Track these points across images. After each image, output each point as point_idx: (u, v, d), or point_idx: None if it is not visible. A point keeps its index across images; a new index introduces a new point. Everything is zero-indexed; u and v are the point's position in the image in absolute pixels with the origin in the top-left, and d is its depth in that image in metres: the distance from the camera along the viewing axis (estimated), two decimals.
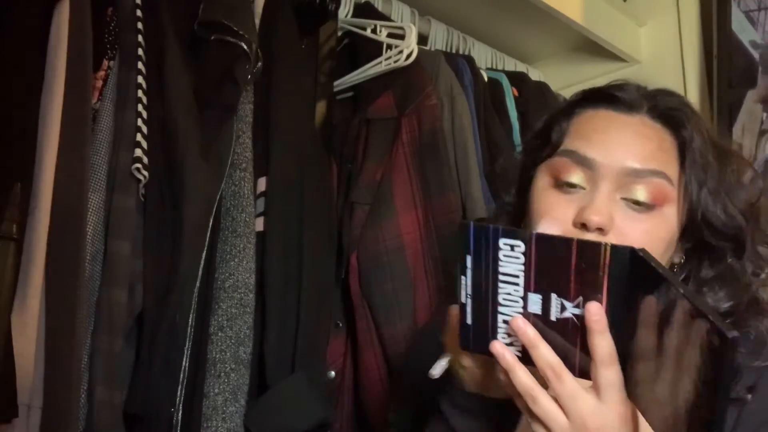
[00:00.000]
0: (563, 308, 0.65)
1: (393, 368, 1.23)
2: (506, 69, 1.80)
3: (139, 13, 1.07)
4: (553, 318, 0.66)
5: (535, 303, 0.66)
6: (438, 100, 1.40)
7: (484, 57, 1.76)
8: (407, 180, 1.33)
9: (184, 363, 1.00)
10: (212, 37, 1.12)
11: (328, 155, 1.32)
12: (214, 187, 1.06)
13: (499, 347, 0.68)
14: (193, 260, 1.02)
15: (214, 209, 1.06)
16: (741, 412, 0.78)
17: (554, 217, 0.82)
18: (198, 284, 1.02)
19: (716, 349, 0.52)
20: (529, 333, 0.66)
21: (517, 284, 0.66)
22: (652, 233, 0.80)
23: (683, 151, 0.83)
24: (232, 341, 1.06)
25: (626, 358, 0.63)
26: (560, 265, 0.64)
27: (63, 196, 0.92)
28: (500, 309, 0.68)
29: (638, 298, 0.61)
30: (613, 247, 0.62)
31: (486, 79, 1.62)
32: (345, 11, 1.44)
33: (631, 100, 0.86)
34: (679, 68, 1.88)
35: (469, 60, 1.60)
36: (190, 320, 1.01)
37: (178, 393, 0.99)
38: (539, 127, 0.92)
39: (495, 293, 0.67)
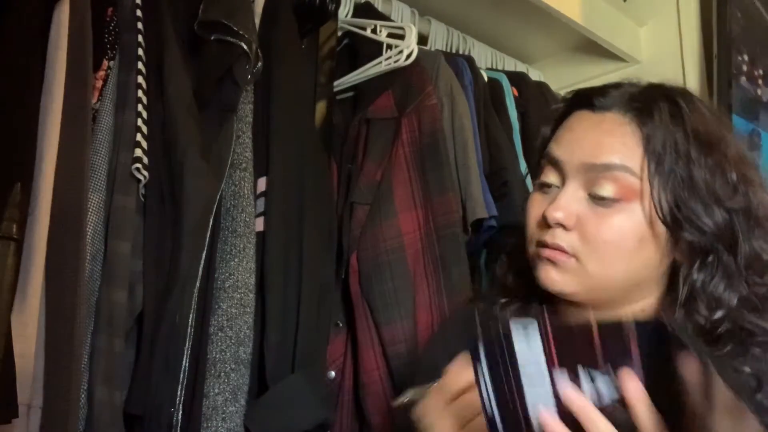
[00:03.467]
0: (593, 378, 0.63)
1: (393, 368, 1.23)
2: (506, 69, 1.80)
3: (139, 13, 1.07)
4: (585, 390, 0.62)
5: (563, 379, 0.62)
6: (438, 100, 1.40)
7: (484, 57, 1.76)
8: (407, 180, 1.33)
9: (184, 363, 1.00)
10: (212, 37, 1.12)
11: (328, 155, 1.32)
12: (214, 187, 1.06)
13: (550, 419, 0.62)
14: (193, 260, 1.02)
15: (214, 209, 1.06)
16: None
17: (531, 217, 0.86)
18: (198, 284, 1.02)
19: None
20: (584, 403, 0.62)
21: (539, 363, 0.63)
22: (618, 228, 0.81)
23: (646, 146, 0.82)
24: (232, 341, 1.06)
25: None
26: (581, 340, 0.62)
27: (63, 196, 0.92)
28: (526, 390, 0.63)
29: (670, 366, 0.59)
30: (638, 324, 0.60)
31: (486, 79, 1.62)
32: (345, 11, 1.44)
33: (606, 101, 0.86)
34: (679, 68, 1.88)
35: (469, 60, 1.60)
36: (190, 320, 1.01)
37: (178, 393, 0.99)
38: (540, 139, 0.94)
39: (517, 376, 0.63)
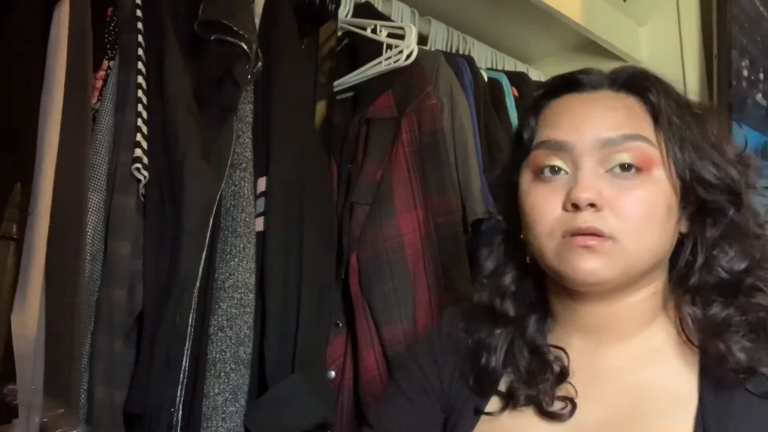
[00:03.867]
0: None
1: (393, 368, 1.23)
2: (506, 69, 1.80)
3: (139, 13, 1.07)
4: None
5: None
6: (438, 100, 1.40)
7: (484, 57, 1.76)
8: (407, 180, 1.33)
9: (184, 363, 1.00)
10: (212, 37, 1.11)
11: (328, 155, 1.32)
12: (214, 187, 1.06)
13: None
14: (193, 260, 1.02)
15: (214, 209, 1.06)
16: None
17: (543, 210, 0.80)
18: (198, 284, 1.02)
19: None
20: None
21: None
22: (648, 200, 0.78)
23: (655, 114, 0.81)
24: (232, 341, 1.06)
25: None
26: None
27: (63, 196, 0.92)
28: None
29: None
30: None
31: (486, 79, 1.62)
32: (345, 11, 1.44)
33: (592, 79, 0.85)
34: (679, 68, 1.88)
35: (469, 60, 1.60)
36: (190, 320, 1.01)
37: (178, 393, 0.99)
38: (514, 133, 0.91)
39: None
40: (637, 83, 0.83)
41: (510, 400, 0.84)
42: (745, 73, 1.88)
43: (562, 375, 0.83)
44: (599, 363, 0.83)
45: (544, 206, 0.80)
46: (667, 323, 0.83)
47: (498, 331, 0.87)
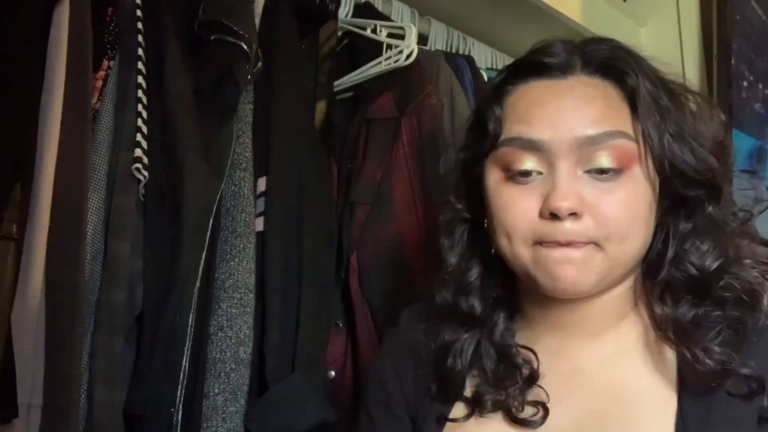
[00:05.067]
0: None
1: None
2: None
3: (139, 13, 1.07)
4: None
5: None
6: (438, 100, 1.40)
7: (483, 57, 1.75)
8: (407, 180, 1.32)
9: (184, 363, 1.00)
10: (212, 37, 1.11)
11: (328, 155, 1.32)
12: (214, 187, 1.06)
13: None
14: (193, 260, 1.02)
15: (214, 209, 1.06)
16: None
17: (515, 214, 0.74)
18: (198, 284, 1.02)
19: None
20: None
21: None
22: (630, 201, 0.72)
23: (633, 100, 0.74)
24: (232, 341, 1.06)
25: None
26: None
27: (63, 196, 0.92)
28: None
29: None
30: None
31: (486, 79, 1.62)
32: (345, 11, 1.44)
33: (561, 62, 0.77)
34: (679, 68, 1.87)
35: (469, 60, 1.60)
36: (190, 320, 1.01)
37: (178, 393, 0.99)
38: (471, 119, 0.84)
39: None
40: (613, 65, 0.76)
41: (476, 406, 0.78)
42: (745, 83, 1.89)
43: (531, 378, 0.77)
44: (571, 362, 0.78)
45: (517, 210, 0.74)
46: (639, 320, 0.78)
47: (463, 332, 0.81)
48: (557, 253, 0.72)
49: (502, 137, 0.76)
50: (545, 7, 1.65)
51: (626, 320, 0.78)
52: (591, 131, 0.72)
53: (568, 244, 0.72)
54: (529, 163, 0.74)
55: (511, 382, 0.77)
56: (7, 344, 0.85)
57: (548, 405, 0.76)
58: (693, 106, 0.79)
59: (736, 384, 0.70)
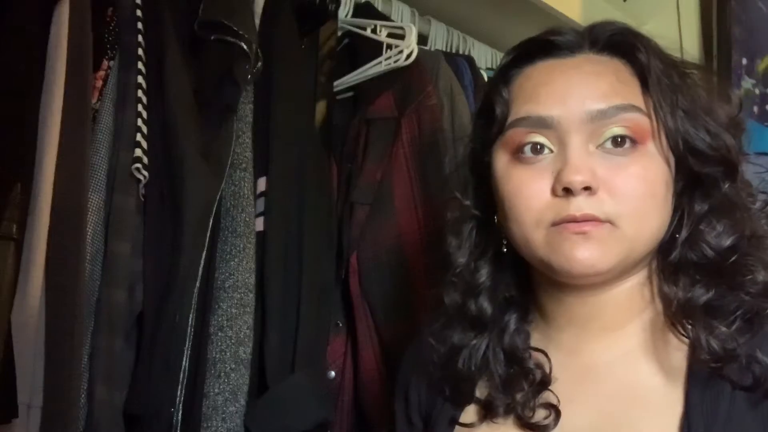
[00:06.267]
0: None
1: (393, 368, 1.23)
2: None
3: (139, 13, 1.07)
4: None
5: None
6: (438, 100, 1.40)
7: (484, 57, 1.75)
8: (407, 180, 1.32)
9: (184, 363, 1.00)
10: (212, 37, 1.11)
11: (328, 155, 1.32)
12: (214, 187, 1.06)
13: None
14: (193, 260, 1.02)
15: (214, 209, 1.05)
16: None
17: (528, 196, 0.71)
18: (198, 284, 1.02)
19: None
20: None
21: None
22: (646, 177, 0.70)
23: (643, 76, 0.72)
24: (232, 341, 1.06)
25: None
26: None
27: (63, 196, 0.92)
28: None
29: None
30: None
31: (486, 79, 1.62)
32: (345, 11, 1.44)
33: (568, 40, 0.76)
34: None
35: (469, 60, 1.60)
36: (190, 320, 1.01)
37: (178, 393, 0.99)
38: (479, 106, 0.82)
39: None
40: (622, 41, 0.75)
41: (488, 411, 0.77)
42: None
43: (543, 383, 0.75)
44: (587, 359, 0.76)
45: (528, 192, 0.71)
46: (655, 315, 0.75)
47: (473, 335, 0.79)
48: (573, 233, 0.69)
49: (510, 119, 0.74)
50: (545, 7, 1.65)
51: (643, 314, 0.76)
52: (602, 105, 0.70)
53: (584, 220, 0.69)
54: (539, 138, 0.71)
55: (522, 387, 0.75)
56: (7, 344, 0.85)
57: (560, 407, 0.74)
58: (705, 85, 0.77)
59: (739, 373, 0.67)
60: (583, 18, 1.75)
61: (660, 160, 0.71)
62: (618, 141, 0.70)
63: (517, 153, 0.73)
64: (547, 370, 0.76)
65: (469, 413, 0.79)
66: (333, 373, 1.27)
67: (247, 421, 1.07)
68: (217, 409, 1.03)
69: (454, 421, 0.79)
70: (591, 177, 0.68)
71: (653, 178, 0.71)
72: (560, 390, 0.75)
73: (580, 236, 0.69)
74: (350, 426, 1.26)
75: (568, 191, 0.69)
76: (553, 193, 0.70)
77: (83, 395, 0.94)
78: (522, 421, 0.75)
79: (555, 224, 0.70)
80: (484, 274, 0.80)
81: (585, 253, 0.69)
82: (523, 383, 0.75)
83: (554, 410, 0.74)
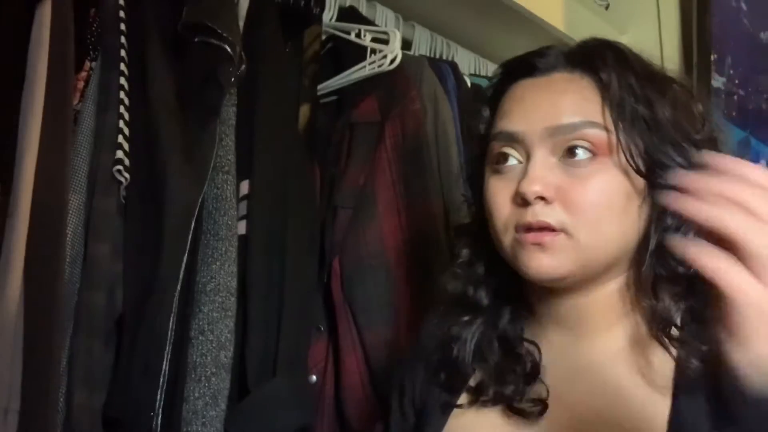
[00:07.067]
0: None
1: (374, 373, 1.23)
2: (489, 75, 1.80)
3: (122, 14, 1.06)
4: None
5: None
6: (421, 105, 1.40)
7: (467, 63, 1.76)
8: (390, 184, 1.33)
9: (164, 367, 0.99)
10: (196, 39, 1.11)
11: (311, 159, 1.32)
12: (196, 190, 1.06)
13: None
14: (173, 263, 1.01)
15: (196, 212, 1.05)
16: None
17: (497, 203, 0.78)
18: (179, 287, 1.01)
19: None
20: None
21: None
22: (602, 189, 0.74)
23: (607, 95, 0.76)
24: (213, 345, 1.05)
25: None
26: None
27: (43, 198, 0.91)
28: None
29: None
30: None
31: (469, 84, 1.63)
32: (329, 15, 1.44)
33: (546, 61, 0.81)
34: None
35: (453, 65, 1.60)
36: (170, 324, 1.00)
37: (158, 397, 0.99)
38: (471, 122, 0.88)
39: None
40: (590, 60, 0.79)
41: (479, 396, 0.82)
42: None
43: (533, 373, 0.80)
44: (575, 358, 0.80)
45: (497, 199, 0.78)
46: (639, 318, 0.78)
47: (469, 322, 0.84)
48: (530, 243, 0.75)
49: (491, 133, 0.81)
50: (528, 14, 1.66)
51: (626, 318, 0.79)
52: (562, 121, 0.76)
53: (539, 227, 0.74)
54: (508, 150, 0.78)
55: (513, 375, 0.80)
56: None
57: (548, 401, 0.78)
58: (682, 98, 0.80)
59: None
60: (565, 25, 1.77)
61: (618, 172, 0.75)
62: (575, 154, 0.75)
63: (493, 164, 0.80)
64: (537, 360, 0.81)
65: (462, 400, 0.84)
66: (314, 378, 1.27)
67: (228, 425, 1.06)
68: (198, 414, 1.03)
69: (448, 406, 0.84)
70: (544, 187, 0.74)
71: (609, 189, 0.75)
72: (549, 385, 0.79)
73: (536, 246, 0.74)
74: (331, 430, 1.26)
75: (525, 201, 0.75)
76: (513, 201, 0.77)
77: (61, 399, 0.93)
78: (510, 408, 0.79)
79: (517, 231, 0.76)
80: (481, 269, 0.86)
81: (539, 262, 0.75)
82: (515, 371, 0.80)
83: (541, 403, 0.78)
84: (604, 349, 0.79)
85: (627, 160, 0.75)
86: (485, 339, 0.84)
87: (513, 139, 0.78)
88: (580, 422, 0.76)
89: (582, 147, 0.75)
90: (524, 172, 0.76)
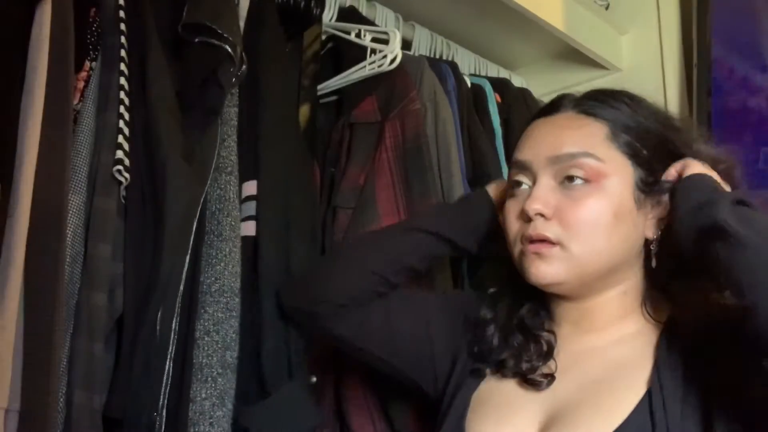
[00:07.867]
0: None
1: (374, 372, 1.23)
2: (489, 75, 1.80)
3: (122, 14, 1.06)
4: None
5: None
6: (421, 105, 1.40)
7: (467, 63, 1.76)
8: (390, 185, 1.33)
9: (167, 367, 0.99)
10: (196, 40, 1.11)
11: (311, 159, 1.32)
12: (198, 191, 1.06)
13: None
14: (175, 264, 1.01)
15: (198, 212, 1.05)
16: None
17: (510, 219, 0.94)
18: (182, 288, 1.01)
19: None
20: None
21: None
22: (593, 208, 0.89)
23: (609, 131, 0.92)
24: (219, 345, 1.05)
25: None
26: None
27: (43, 198, 0.91)
28: None
29: None
30: None
31: (469, 84, 1.63)
32: (329, 15, 1.44)
33: (560, 104, 0.97)
34: (660, 77, 1.90)
35: (453, 66, 1.60)
36: (173, 324, 1.00)
37: (161, 397, 0.98)
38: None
39: None
40: (594, 103, 0.94)
41: (501, 369, 0.97)
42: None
43: (549, 353, 0.95)
44: (581, 345, 0.95)
45: (510, 217, 0.95)
46: (641, 318, 0.94)
47: (502, 312, 1.00)
48: (531, 250, 0.91)
49: (509, 164, 1.01)
50: (528, 14, 1.66)
51: (628, 318, 0.94)
52: (560, 152, 0.91)
53: (539, 239, 0.90)
54: (520, 176, 0.95)
55: (531, 354, 0.95)
56: None
57: (556, 374, 0.93)
58: (684, 136, 0.96)
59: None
60: (565, 25, 1.76)
61: (612, 194, 0.90)
62: (573, 179, 0.90)
63: (510, 189, 0.97)
64: (553, 344, 0.96)
65: (488, 370, 0.99)
66: (315, 378, 1.27)
67: (250, 425, 1.06)
68: (205, 414, 1.03)
69: (478, 373, 0.99)
70: (544, 205, 0.90)
71: (600, 209, 0.89)
72: (558, 363, 0.94)
73: (536, 255, 0.91)
74: (332, 427, 1.26)
75: (528, 217, 0.91)
76: (519, 217, 0.93)
77: (62, 399, 0.93)
78: (525, 380, 0.94)
79: (523, 242, 0.92)
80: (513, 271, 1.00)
81: (539, 269, 0.91)
82: (533, 350, 0.95)
83: (550, 376, 0.93)
84: (607, 338, 0.93)
85: (629, 185, 0.90)
86: (508, 326, 0.99)
87: (523, 167, 0.94)
88: (582, 389, 0.89)
89: (577, 175, 0.90)
90: (530, 194, 0.91)
